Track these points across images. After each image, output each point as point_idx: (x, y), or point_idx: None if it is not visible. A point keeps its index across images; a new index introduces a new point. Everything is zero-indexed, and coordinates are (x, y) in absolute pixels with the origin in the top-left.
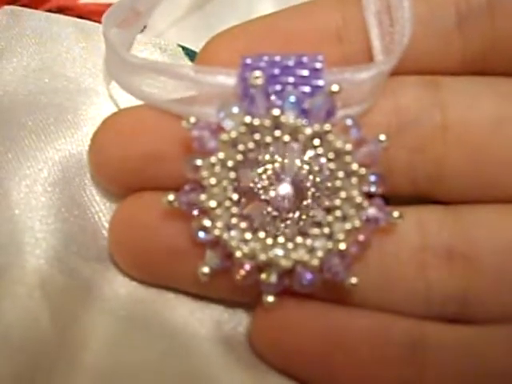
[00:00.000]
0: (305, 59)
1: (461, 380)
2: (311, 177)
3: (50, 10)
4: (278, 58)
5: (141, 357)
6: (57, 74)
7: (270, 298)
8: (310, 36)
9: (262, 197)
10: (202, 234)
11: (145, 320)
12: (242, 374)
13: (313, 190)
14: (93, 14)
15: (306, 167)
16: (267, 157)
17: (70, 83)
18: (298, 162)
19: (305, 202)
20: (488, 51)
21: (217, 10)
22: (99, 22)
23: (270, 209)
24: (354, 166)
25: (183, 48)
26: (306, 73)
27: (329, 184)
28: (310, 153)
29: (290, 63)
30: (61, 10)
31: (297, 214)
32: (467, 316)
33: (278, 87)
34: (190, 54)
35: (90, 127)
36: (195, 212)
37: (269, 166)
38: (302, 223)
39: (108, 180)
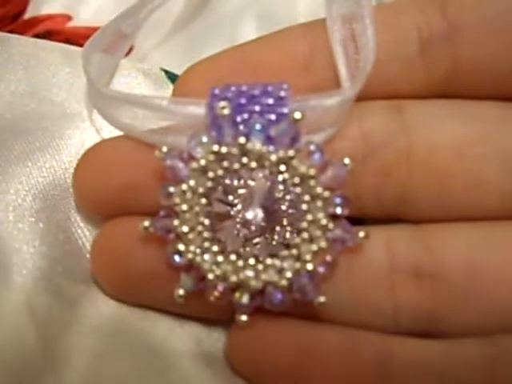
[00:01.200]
0: (270, 88)
1: None
2: (280, 200)
3: (37, 35)
4: (244, 88)
5: (122, 372)
6: (43, 99)
7: (244, 317)
8: (278, 66)
9: (235, 219)
10: (177, 258)
11: (127, 337)
12: None
13: (282, 212)
14: (81, 38)
15: (276, 191)
16: (238, 181)
17: (56, 108)
18: (267, 186)
19: (275, 225)
20: (451, 76)
21: (201, 31)
22: None
23: (242, 231)
24: (319, 190)
25: (166, 72)
26: (271, 101)
27: (296, 207)
28: (278, 177)
29: (256, 92)
30: (49, 34)
31: (268, 235)
32: (435, 332)
33: (245, 116)
34: (173, 78)
35: (74, 152)
36: (170, 237)
37: (240, 191)
38: (272, 245)
39: (91, 210)
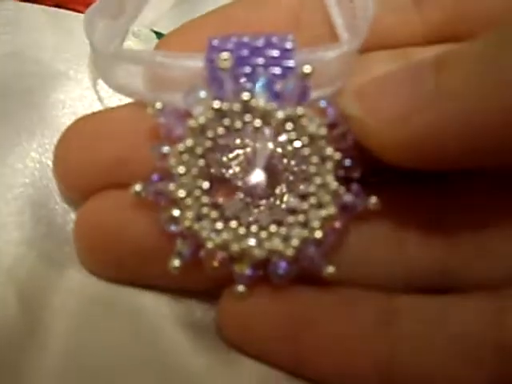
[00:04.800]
0: (274, 39)
1: (433, 349)
2: (285, 161)
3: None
4: (246, 39)
5: (108, 339)
6: (28, 58)
7: (241, 288)
8: (268, 23)
9: (235, 183)
10: (172, 226)
11: (113, 302)
12: (211, 358)
13: (287, 175)
14: (70, 2)
15: (280, 151)
16: (238, 141)
17: (42, 67)
18: (270, 146)
19: (279, 188)
20: (448, 23)
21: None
22: (76, 9)
23: (242, 195)
24: (329, 151)
25: (156, 33)
26: (276, 53)
27: (303, 169)
28: (283, 137)
29: (260, 44)
30: None
31: (271, 200)
32: (448, 288)
33: (248, 69)
34: None
35: (59, 110)
36: (163, 202)
37: (240, 151)
38: (276, 210)
39: (75, 190)
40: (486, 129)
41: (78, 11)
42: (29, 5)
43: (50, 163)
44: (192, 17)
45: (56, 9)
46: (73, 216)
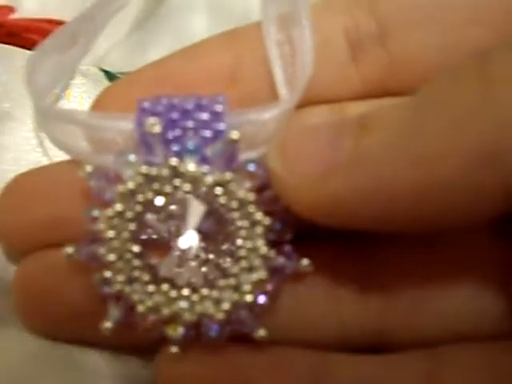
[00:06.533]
0: (204, 101)
1: None
2: (217, 224)
3: None
4: (176, 101)
5: None
6: None
7: (175, 349)
8: (202, 80)
9: (170, 243)
10: (105, 288)
11: (52, 359)
12: None
13: (219, 237)
14: (25, 31)
15: (212, 214)
16: (172, 203)
17: None
18: (202, 210)
19: (211, 250)
20: (386, 77)
21: (151, 26)
22: (30, 38)
23: (176, 253)
24: (259, 216)
25: (105, 72)
26: (206, 116)
27: (234, 233)
28: (215, 200)
29: (189, 106)
30: None
31: (203, 261)
32: (385, 346)
33: (178, 132)
34: (111, 77)
35: (2, 154)
36: (96, 265)
37: (172, 211)
38: (208, 273)
39: (16, 248)
40: (398, 199)
41: (33, 40)
42: None
43: None
44: (142, 48)
45: (6, 45)
46: (13, 267)
